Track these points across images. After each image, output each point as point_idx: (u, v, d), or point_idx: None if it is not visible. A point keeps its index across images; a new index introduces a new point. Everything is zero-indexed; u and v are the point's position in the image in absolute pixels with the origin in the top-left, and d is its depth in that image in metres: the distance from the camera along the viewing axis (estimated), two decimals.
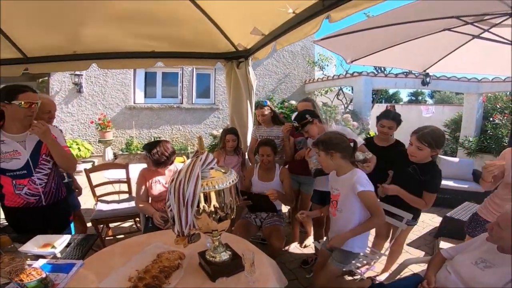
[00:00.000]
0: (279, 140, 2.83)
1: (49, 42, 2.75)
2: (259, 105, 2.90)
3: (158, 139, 7.12)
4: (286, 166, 2.76)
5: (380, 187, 1.93)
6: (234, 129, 2.95)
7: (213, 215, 1.21)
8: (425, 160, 1.92)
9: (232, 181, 1.23)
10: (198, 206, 1.17)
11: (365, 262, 2.05)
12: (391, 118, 2.30)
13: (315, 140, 1.81)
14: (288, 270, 2.52)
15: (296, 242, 2.99)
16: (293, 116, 2.53)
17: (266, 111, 2.87)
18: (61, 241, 1.61)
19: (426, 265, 1.63)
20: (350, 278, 2.33)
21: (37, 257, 1.48)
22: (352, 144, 1.74)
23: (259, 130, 3.00)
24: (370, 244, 2.38)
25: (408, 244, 2.98)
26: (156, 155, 2.17)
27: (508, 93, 6.42)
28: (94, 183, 3.00)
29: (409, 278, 1.66)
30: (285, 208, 3.45)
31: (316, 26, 1.80)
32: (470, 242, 1.53)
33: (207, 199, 1.19)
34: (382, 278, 2.35)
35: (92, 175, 2.97)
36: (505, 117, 6.01)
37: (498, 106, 6.34)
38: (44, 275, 1.20)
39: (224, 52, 3.28)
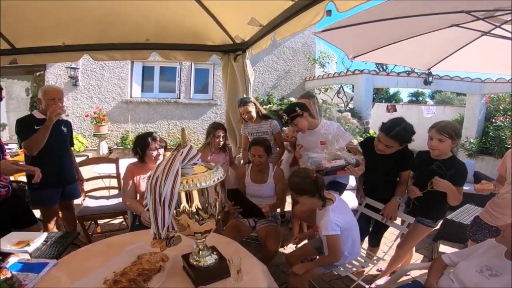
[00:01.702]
0: (268, 136, 2.71)
1: (38, 33, 2.63)
2: (242, 102, 2.73)
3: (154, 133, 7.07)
4: (281, 166, 2.66)
5: (434, 181, 1.82)
6: (222, 124, 2.78)
7: (195, 217, 1.09)
8: (446, 154, 1.89)
9: (218, 179, 1.10)
10: (178, 206, 1.05)
11: (361, 266, 1.95)
12: (390, 136, 1.87)
13: (288, 183, 1.84)
14: (282, 273, 2.40)
15: (292, 242, 2.86)
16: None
17: (250, 107, 2.72)
18: (36, 239, 1.50)
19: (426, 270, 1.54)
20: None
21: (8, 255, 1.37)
22: (315, 181, 1.74)
23: (247, 127, 2.87)
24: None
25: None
26: (144, 147, 2.06)
27: (511, 94, 6.31)
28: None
29: (409, 285, 1.56)
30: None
31: (318, 14, 1.68)
32: (473, 248, 1.43)
33: (188, 198, 1.06)
34: (380, 282, 2.25)
35: (82, 169, 2.85)
36: (507, 119, 5.90)
37: (501, 108, 6.22)
38: (9, 275, 1.10)
39: (221, 45, 3.16)
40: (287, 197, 2.99)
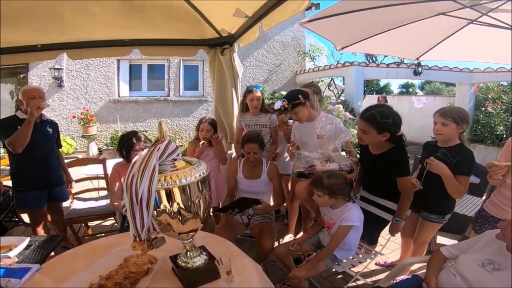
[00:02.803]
0: (267, 129, 2.66)
1: (12, 35, 2.51)
2: (253, 89, 2.67)
3: (143, 132, 6.95)
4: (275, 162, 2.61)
5: (428, 161, 1.73)
6: (211, 119, 2.68)
7: (178, 216, 1.02)
8: (453, 141, 1.79)
9: (200, 174, 1.03)
10: (157, 205, 0.99)
11: (359, 262, 1.93)
12: (363, 118, 1.77)
13: (316, 180, 1.75)
14: (279, 270, 2.37)
15: (291, 235, 2.81)
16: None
17: (259, 93, 2.67)
18: (19, 244, 1.43)
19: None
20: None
21: None
22: (350, 182, 1.77)
23: (245, 118, 2.79)
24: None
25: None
26: (129, 148, 1.99)
27: (499, 83, 6.39)
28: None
29: (408, 280, 1.53)
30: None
31: (303, 3, 1.63)
32: (473, 241, 1.40)
33: (169, 197, 1.00)
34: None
35: (69, 171, 2.75)
36: (498, 106, 5.97)
37: (490, 97, 6.30)
38: None
39: (206, 39, 3.07)
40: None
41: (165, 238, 1.05)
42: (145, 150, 1.00)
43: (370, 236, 2.15)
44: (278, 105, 2.89)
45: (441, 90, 18.90)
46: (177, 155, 1.05)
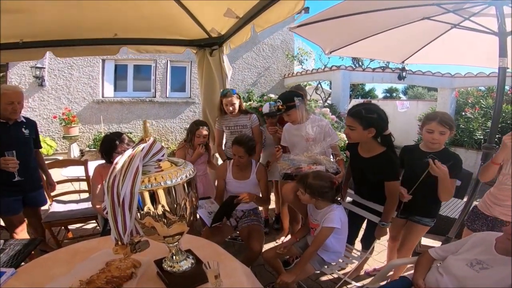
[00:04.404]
0: (247, 130, 2.63)
1: None
2: (227, 93, 2.60)
3: (128, 133, 6.78)
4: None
5: (430, 163, 1.65)
6: (206, 124, 2.62)
7: (162, 219, 0.97)
8: (441, 147, 1.79)
9: (187, 176, 0.99)
10: (141, 208, 0.94)
11: (346, 263, 1.93)
12: (349, 114, 1.79)
13: (302, 177, 1.77)
14: (268, 273, 2.33)
15: (284, 237, 2.80)
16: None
17: (235, 99, 2.61)
18: None
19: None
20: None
21: None
22: (337, 186, 1.77)
23: (224, 120, 2.74)
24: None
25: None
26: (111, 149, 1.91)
27: (477, 88, 6.63)
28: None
29: (396, 282, 1.54)
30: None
31: (298, 4, 1.62)
32: (460, 243, 1.43)
33: (153, 199, 0.95)
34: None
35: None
36: (476, 111, 6.18)
37: (469, 101, 6.52)
38: None
39: (195, 39, 3.03)
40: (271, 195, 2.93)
41: (149, 242, 0.99)
42: (129, 150, 0.94)
43: (365, 240, 2.14)
44: (266, 108, 2.88)
45: (423, 94, 19.50)
46: (162, 156, 1.00)
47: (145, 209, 0.95)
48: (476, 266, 1.25)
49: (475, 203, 2.02)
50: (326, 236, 1.70)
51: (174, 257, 1.11)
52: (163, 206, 0.96)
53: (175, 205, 0.98)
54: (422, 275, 1.43)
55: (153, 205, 0.95)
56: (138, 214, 0.95)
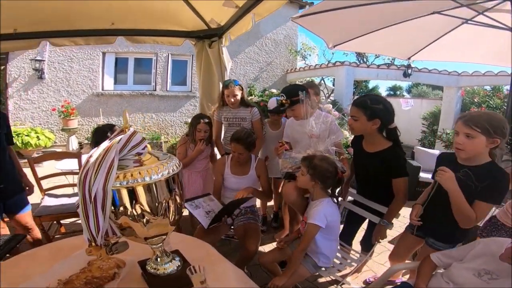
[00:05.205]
0: (246, 123, 2.54)
1: None
2: (230, 84, 2.50)
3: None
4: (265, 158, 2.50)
5: (439, 171, 1.39)
6: (207, 118, 2.52)
7: (141, 219, 0.88)
8: (481, 158, 1.35)
9: (169, 171, 0.89)
10: (117, 206, 0.85)
11: (345, 266, 1.85)
12: (354, 103, 1.68)
13: (308, 157, 1.68)
14: (264, 273, 2.24)
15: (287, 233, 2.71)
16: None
17: (237, 90, 2.51)
18: None
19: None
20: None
21: None
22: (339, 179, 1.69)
23: (223, 111, 2.65)
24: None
25: (390, 242, 2.82)
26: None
27: (483, 87, 6.48)
28: (44, 175, 2.60)
29: (398, 287, 1.45)
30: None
31: None
32: (465, 249, 1.32)
33: (133, 196, 0.85)
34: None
35: (44, 166, 2.55)
36: (482, 111, 6.06)
37: (475, 101, 6.39)
38: None
39: (194, 30, 2.93)
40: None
41: (128, 243, 0.91)
42: (105, 142, 0.85)
43: (365, 241, 2.04)
44: (272, 103, 2.75)
45: (427, 93, 19.24)
46: (143, 148, 0.90)
47: (120, 207, 0.86)
48: (484, 276, 1.16)
49: (492, 211, 1.77)
50: (312, 234, 1.59)
51: (158, 259, 1.04)
52: (141, 205, 0.86)
53: (157, 204, 0.89)
54: (424, 281, 1.35)
55: (131, 203, 0.86)
56: (113, 213, 0.86)
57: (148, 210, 0.88)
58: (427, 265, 1.40)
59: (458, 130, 1.36)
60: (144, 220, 0.89)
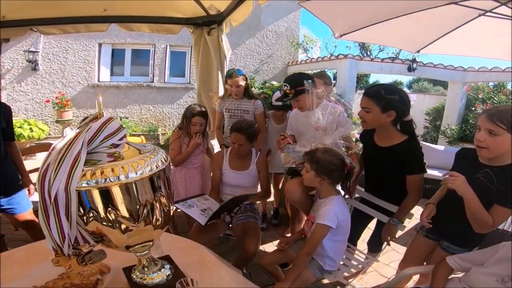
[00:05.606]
0: (249, 116, 2.41)
1: None
2: (233, 74, 2.38)
3: (123, 118, 6.55)
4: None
5: (448, 175, 1.27)
6: (203, 110, 2.35)
7: (117, 225, 0.72)
8: (504, 158, 1.22)
9: (152, 168, 0.73)
10: (87, 210, 0.70)
11: (353, 271, 1.72)
12: (365, 93, 1.55)
13: (311, 151, 1.53)
14: (264, 274, 2.10)
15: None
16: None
17: (241, 81, 2.39)
18: None
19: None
20: None
21: None
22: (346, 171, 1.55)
23: (226, 102, 2.52)
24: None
25: (394, 240, 2.71)
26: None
27: (488, 83, 6.33)
28: (36, 167, 2.45)
29: None
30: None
31: None
32: (485, 252, 1.21)
33: (107, 198, 0.69)
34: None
35: (37, 158, 2.39)
36: (487, 107, 5.93)
37: (480, 97, 6.25)
38: None
39: (192, 17, 2.76)
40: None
41: (105, 252, 0.77)
42: (73, 131, 0.69)
43: (372, 242, 1.92)
44: (277, 96, 2.59)
45: (428, 89, 19.05)
46: (120, 139, 0.73)
47: (89, 212, 0.70)
48: (508, 282, 1.05)
49: None
50: (321, 235, 1.46)
51: (145, 268, 0.90)
52: (116, 209, 0.70)
53: (137, 207, 0.73)
54: (440, 286, 1.25)
55: (104, 207, 0.70)
56: (81, 218, 0.71)
57: (126, 215, 0.72)
58: (443, 268, 1.29)
59: (480, 125, 1.23)
60: (122, 227, 0.73)
